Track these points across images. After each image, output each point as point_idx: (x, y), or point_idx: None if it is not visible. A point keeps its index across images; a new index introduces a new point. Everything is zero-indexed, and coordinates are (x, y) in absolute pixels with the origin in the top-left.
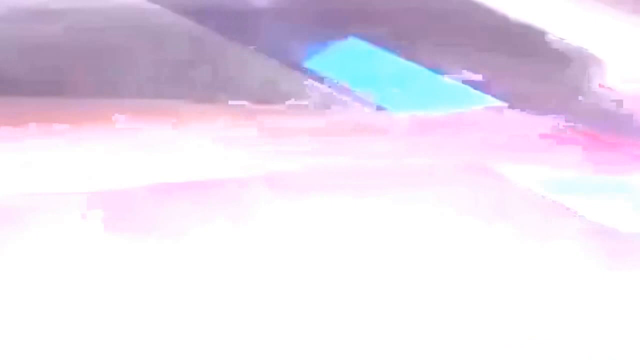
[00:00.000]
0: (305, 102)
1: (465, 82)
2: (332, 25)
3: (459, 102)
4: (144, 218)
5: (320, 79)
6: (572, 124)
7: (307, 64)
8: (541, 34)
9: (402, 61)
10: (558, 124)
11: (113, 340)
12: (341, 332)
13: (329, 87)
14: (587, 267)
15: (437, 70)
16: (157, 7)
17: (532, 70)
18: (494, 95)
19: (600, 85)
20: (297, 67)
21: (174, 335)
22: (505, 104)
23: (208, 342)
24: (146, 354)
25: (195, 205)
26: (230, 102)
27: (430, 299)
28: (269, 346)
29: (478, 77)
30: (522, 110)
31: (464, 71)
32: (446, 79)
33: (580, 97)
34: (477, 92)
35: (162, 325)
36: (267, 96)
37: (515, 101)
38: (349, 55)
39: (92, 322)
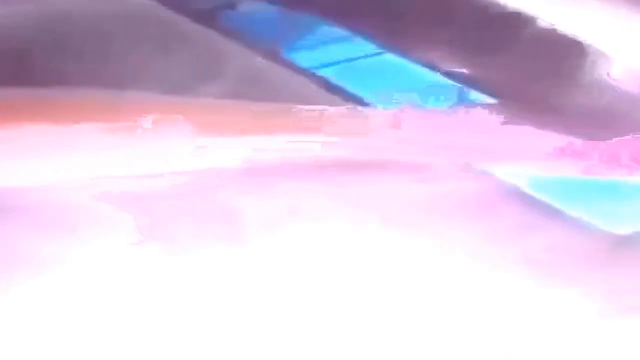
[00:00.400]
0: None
1: (455, 77)
2: (315, 15)
3: (447, 97)
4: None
5: (302, 71)
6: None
7: (290, 55)
8: (537, 25)
9: (389, 55)
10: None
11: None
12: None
13: (310, 78)
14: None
15: (427, 64)
16: None
17: (531, 66)
18: (485, 91)
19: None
20: (278, 58)
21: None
22: (496, 101)
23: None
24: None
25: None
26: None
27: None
28: None
29: (469, 72)
30: (517, 107)
31: (455, 66)
32: (435, 74)
33: (579, 91)
34: (466, 88)
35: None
36: (249, 88)
37: (512, 98)
38: (330, 47)
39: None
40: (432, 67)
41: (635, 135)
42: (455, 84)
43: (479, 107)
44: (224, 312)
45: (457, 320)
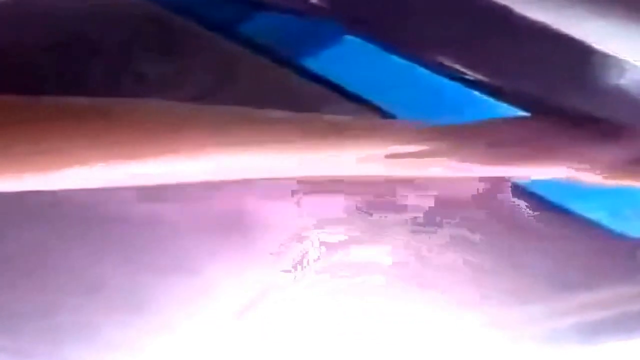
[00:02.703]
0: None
1: (469, 83)
2: (333, 24)
3: (465, 107)
4: None
5: (317, 79)
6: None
7: (304, 63)
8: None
9: (412, 65)
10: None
11: None
12: None
13: (326, 87)
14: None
15: (438, 70)
16: (145, 1)
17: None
18: (501, 99)
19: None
20: (292, 66)
21: None
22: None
23: None
24: None
25: None
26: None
27: None
28: None
29: (484, 79)
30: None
31: (468, 71)
32: (449, 80)
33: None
34: (483, 96)
35: None
36: (261, 96)
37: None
38: (347, 55)
39: None
40: (456, 78)
41: None
42: (478, 94)
43: (502, 119)
44: None
45: None
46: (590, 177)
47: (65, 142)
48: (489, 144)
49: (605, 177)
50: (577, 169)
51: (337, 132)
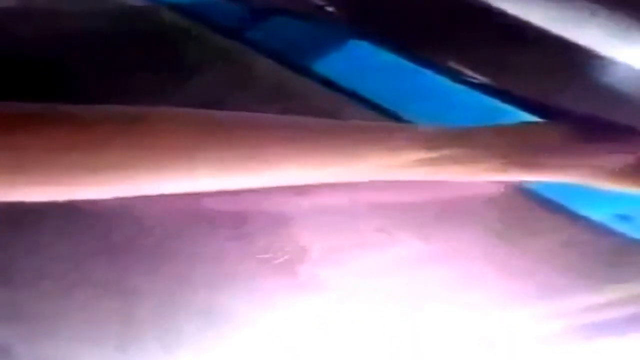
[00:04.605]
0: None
1: (476, 86)
2: (339, 26)
3: (472, 110)
4: None
5: (325, 83)
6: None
7: (315, 67)
8: (557, 36)
9: (411, 65)
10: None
11: None
12: None
13: (335, 91)
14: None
15: (446, 72)
16: (156, 6)
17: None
18: (507, 102)
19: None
20: (303, 70)
21: None
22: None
23: None
24: None
25: None
26: None
27: None
28: None
29: (490, 82)
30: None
31: (474, 74)
32: (457, 84)
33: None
34: (490, 99)
35: None
36: (271, 101)
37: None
38: (355, 58)
39: None
40: (462, 81)
41: None
42: (486, 97)
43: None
44: None
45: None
46: (600, 182)
47: (100, 153)
48: (503, 150)
49: (615, 182)
50: (588, 174)
51: (349, 137)
